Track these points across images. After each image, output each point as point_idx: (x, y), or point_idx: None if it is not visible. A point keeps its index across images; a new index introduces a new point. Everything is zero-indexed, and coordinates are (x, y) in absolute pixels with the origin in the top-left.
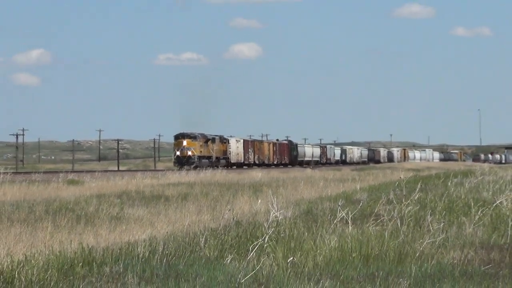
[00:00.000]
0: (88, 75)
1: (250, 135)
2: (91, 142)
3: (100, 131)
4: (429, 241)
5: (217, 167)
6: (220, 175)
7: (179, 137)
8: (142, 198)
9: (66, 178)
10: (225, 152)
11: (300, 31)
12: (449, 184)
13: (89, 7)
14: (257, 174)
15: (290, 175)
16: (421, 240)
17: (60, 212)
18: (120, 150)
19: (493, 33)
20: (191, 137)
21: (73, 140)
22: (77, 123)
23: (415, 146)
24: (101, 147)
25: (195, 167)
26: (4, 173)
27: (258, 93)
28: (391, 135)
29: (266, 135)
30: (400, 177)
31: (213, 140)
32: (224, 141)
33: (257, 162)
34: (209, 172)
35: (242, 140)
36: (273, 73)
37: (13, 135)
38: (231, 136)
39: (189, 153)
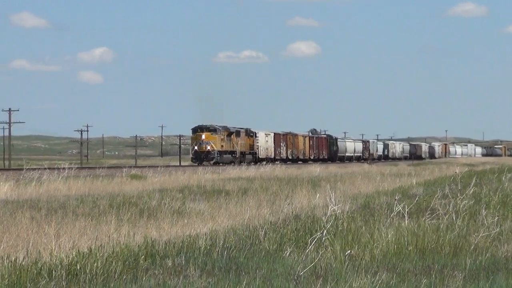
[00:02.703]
0: (150, 72)
1: (309, 131)
2: (153, 138)
3: (162, 127)
4: (484, 234)
5: (242, 163)
6: (280, 170)
7: (197, 130)
8: (203, 192)
9: (129, 173)
10: (251, 146)
11: (356, 29)
12: (503, 178)
13: (150, 6)
14: (316, 169)
15: (348, 170)
16: (475, 234)
17: (123, 206)
18: (182, 146)
19: None
20: (211, 130)
21: (136, 136)
22: (140, 119)
23: (470, 142)
24: (163, 142)
25: (216, 163)
26: (69, 168)
27: (317, 91)
28: (446, 131)
29: (325, 130)
30: (455, 172)
31: (237, 133)
32: (250, 134)
33: (290, 157)
34: (268, 167)
35: (272, 134)
36: (331, 70)
37: (77, 131)
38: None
39: (208, 147)
